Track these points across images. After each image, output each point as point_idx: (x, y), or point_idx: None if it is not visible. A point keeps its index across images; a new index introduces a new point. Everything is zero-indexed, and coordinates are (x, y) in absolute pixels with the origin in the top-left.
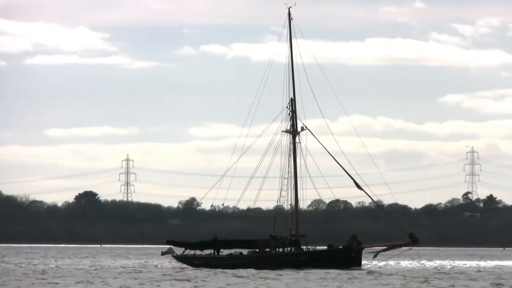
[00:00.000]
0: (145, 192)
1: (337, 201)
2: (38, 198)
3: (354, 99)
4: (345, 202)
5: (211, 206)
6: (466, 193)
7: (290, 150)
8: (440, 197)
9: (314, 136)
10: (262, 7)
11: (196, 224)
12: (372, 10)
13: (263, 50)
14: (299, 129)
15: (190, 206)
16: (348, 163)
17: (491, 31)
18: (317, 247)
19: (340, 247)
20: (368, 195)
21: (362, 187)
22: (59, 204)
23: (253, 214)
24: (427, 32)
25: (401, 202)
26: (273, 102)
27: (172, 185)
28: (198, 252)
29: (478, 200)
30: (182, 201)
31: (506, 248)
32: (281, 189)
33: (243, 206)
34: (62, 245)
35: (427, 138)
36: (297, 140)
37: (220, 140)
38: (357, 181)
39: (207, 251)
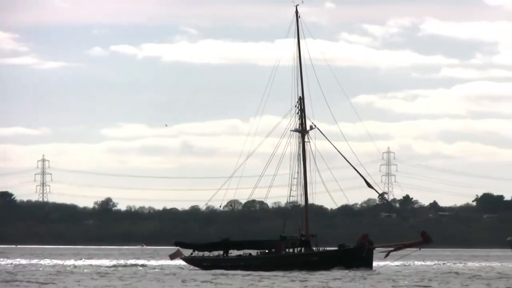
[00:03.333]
0: (61, 193)
1: (253, 201)
2: None
3: (265, 99)
4: (261, 203)
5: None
6: (382, 194)
7: (299, 149)
8: (356, 197)
9: (324, 135)
10: (172, 7)
11: (112, 224)
12: (281, 10)
13: (173, 50)
14: (307, 128)
15: (105, 206)
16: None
17: (401, 31)
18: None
19: (351, 247)
20: (379, 193)
21: (373, 186)
22: None
23: (169, 215)
24: (337, 32)
25: (317, 202)
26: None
27: (87, 185)
28: (206, 253)
29: (394, 200)
30: (98, 202)
31: (421, 249)
32: (291, 189)
33: (159, 206)
34: None
35: (341, 138)
36: (306, 139)
37: (132, 140)
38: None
39: (216, 253)
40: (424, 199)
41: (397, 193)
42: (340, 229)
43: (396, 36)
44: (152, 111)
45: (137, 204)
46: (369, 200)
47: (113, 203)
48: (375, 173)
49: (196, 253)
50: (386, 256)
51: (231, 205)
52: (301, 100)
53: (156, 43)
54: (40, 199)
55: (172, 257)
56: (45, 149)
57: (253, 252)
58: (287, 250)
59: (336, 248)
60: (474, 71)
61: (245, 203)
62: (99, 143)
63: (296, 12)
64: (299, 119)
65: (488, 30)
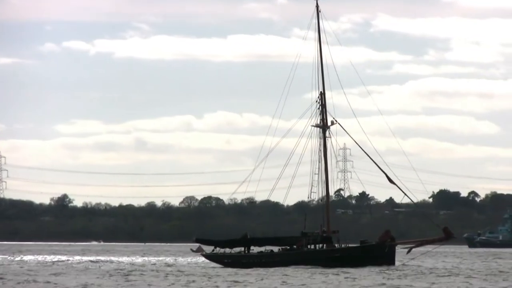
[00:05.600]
0: (17, 189)
1: (209, 198)
2: None
3: (218, 96)
4: (217, 199)
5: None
6: (339, 190)
7: (320, 145)
8: (313, 194)
9: (345, 130)
10: (124, 3)
11: (68, 220)
12: (233, 6)
13: (125, 46)
14: (329, 123)
15: (62, 202)
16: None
17: (354, 28)
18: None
19: (373, 243)
20: (401, 189)
21: (395, 182)
22: None
23: (126, 211)
24: (289, 28)
25: (273, 199)
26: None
27: (43, 181)
28: (227, 250)
29: (350, 197)
30: (54, 198)
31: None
32: (312, 185)
33: (115, 202)
34: None
35: (295, 135)
36: (327, 134)
37: (87, 137)
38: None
39: (237, 249)
40: (380, 196)
41: (353, 190)
42: (297, 225)
43: (349, 32)
44: (105, 108)
45: (93, 201)
46: (324, 196)
47: (69, 199)
48: (331, 170)
49: (217, 250)
50: (408, 252)
51: (187, 202)
52: (322, 95)
53: (108, 39)
54: None
55: (194, 253)
56: (1, 146)
57: (275, 249)
58: (308, 246)
59: (358, 245)
60: (427, 67)
61: (202, 199)
62: (53, 140)
63: (317, 6)
64: (320, 114)
65: (441, 26)
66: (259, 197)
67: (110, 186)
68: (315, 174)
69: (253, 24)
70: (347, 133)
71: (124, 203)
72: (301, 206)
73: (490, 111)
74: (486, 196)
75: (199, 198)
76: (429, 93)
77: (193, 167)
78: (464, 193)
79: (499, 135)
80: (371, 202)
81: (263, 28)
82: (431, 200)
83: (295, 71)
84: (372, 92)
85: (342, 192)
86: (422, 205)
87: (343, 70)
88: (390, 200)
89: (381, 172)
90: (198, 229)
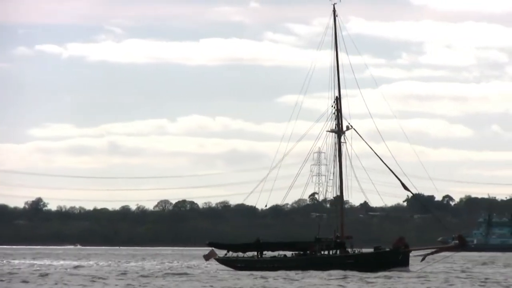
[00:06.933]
0: None
1: (184, 201)
2: None
3: (192, 99)
4: (192, 203)
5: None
6: (313, 194)
7: (335, 150)
8: (287, 197)
9: (360, 136)
10: (96, 8)
11: (42, 224)
12: (206, 10)
13: (98, 50)
14: (344, 128)
15: (36, 206)
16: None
17: (326, 31)
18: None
19: (387, 249)
20: (415, 196)
21: (410, 189)
22: None
23: (100, 215)
24: (261, 31)
25: (248, 202)
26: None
27: (17, 185)
28: (240, 254)
29: (325, 200)
30: (28, 202)
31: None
32: (326, 190)
33: (89, 206)
34: None
35: (267, 138)
36: (342, 139)
37: (60, 140)
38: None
39: (250, 254)
40: (355, 199)
41: (328, 193)
42: (271, 229)
43: (321, 35)
44: (78, 111)
45: (67, 204)
46: (299, 200)
47: (44, 203)
48: (306, 173)
49: (230, 254)
50: (423, 259)
51: (162, 205)
52: (338, 100)
53: (81, 42)
54: None
55: (207, 257)
56: None
57: (288, 254)
58: (322, 252)
59: (372, 251)
60: (400, 70)
61: (176, 203)
62: (27, 143)
63: (334, 11)
64: (335, 119)
65: (414, 29)
66: (234, 201)
67: (84, 189)
68: (329, 179)
69: (226, 27)
70: (362, 138)
71: (99, 206)
72: (275, 210)
73: (463, 114)
74: (461, 200)
75: (174, 201)
76: (402, 96)
77: (167, 171)
78: (438, 197)
79: (472, 139)
80: (345, 206)
81: (236, 31)
82: (405, 204)
83: (311, 75)
84: (344, 96)
85: (316, 196)
86: (396, 209)
87: (314, 73)
88: (365, 204)
89: (356, 175)
90: (172, 233)
